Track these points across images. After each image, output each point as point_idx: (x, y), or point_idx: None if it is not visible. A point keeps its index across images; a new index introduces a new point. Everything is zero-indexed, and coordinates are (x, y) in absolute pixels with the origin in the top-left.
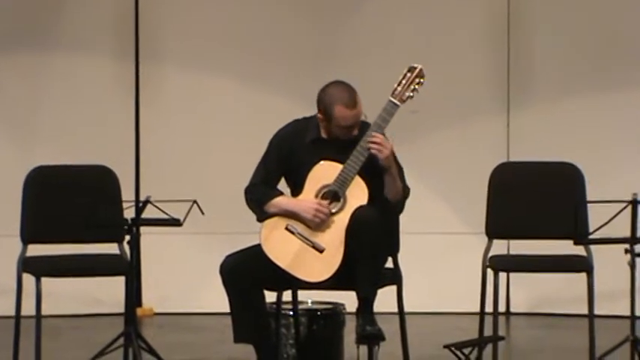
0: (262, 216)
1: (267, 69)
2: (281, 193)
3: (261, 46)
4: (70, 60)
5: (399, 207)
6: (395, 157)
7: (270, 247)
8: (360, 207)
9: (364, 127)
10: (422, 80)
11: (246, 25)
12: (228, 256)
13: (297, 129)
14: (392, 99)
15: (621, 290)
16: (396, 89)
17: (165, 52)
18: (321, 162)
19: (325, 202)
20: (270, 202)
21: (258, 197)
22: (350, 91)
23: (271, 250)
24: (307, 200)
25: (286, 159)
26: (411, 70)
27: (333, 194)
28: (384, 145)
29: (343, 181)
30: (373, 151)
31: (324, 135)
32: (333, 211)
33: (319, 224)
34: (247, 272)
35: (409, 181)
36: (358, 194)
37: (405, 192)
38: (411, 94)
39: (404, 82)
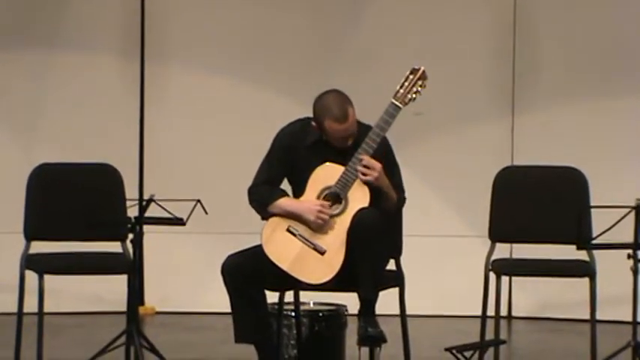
0: (265, 216)
1: (272, 69)
2: (284, 193)
3: (267, 47)
4: (75, 59)
5: (393, 215)
6: (393, 157)
7: (272, 249)
8: (362, 209)
9: (366, 129)
10: (424, 82)
11: (251, 26)
12: (230, 256)
13: (299, 129)
14: (394, 101)
15: (624, 295)
16: (398, 91)
17: (171, 51)
18: (324, 164)
19: (327, 204)
20: (274, 203)
21: (261, 198)
22: (341, 103)
23: (272, 252)
24: (309, 202)
25: (288, 159)
26: (414, 72)
27: (335, 196)
28: (372, 168)
29: (345, 183)
30: (362, 177)
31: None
32: (335, 213)
33: (321, 226)
34: (249, 272)
35: (412, 183)
36: (360, 196)
37: (400, 202)
38: (414, 96)
39: (406, 84)
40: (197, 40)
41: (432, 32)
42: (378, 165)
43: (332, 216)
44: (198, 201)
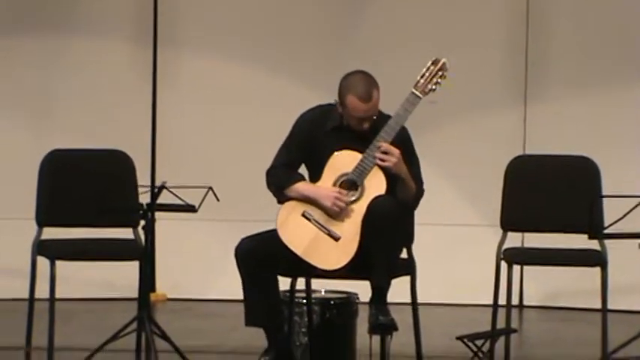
0: (282, 199)
1: (285, 55)
2: (302, 178)
3: (279, 32)
4: (87, 45)
5: (411, 206)
6: (412, 147)
7: (286, 233)
8: (378, 197)
9: (383, 118)
10: (445, 74)
11: (264, 12)
12: (244, 239)
13: (320, 114)
14: (414, 91)
15: (635, 285)
16: (418, 81)
17: (183, 37)
18: (341, 150)
19: (345, 192)
20: (290, 187)
21: (279, 181)
22: (368, 84)
23: (287, 236)
24: (326, 188)
25: (307, 143)
26: (435, 62)
27: (352, 183)
28: (390, 154)
29: (362, 171)
30: (380, 163)
31: (345, 123)
32: (351, 200)
33: (337, 212)
34: (262, 256)
35: (425, 171)
36: (376, 184)
37: (418, 193)
38: (434, 87)
39: (427, 74)
40: (209, 26)
41: (445, 22)
42: (396, 151)
43: (348, 203)
44: (210, 188)
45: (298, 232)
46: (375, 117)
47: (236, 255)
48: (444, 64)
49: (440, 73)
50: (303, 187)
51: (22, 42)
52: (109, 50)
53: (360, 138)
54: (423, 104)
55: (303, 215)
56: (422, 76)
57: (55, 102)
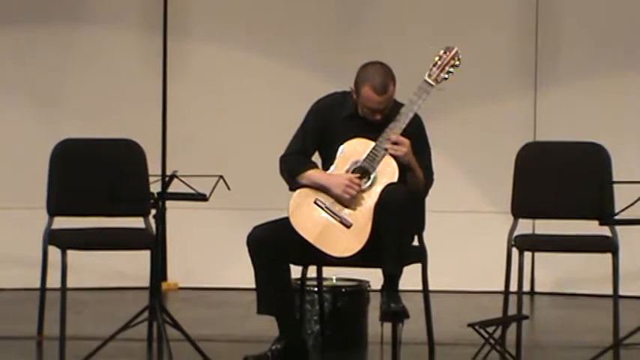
0: (294, 186)
1: (294, 44)
2: (315, 165)
3: (290, 21)
4: (97, 34)
5: (421, 195)
6: (425, 137)
7: (298, 220)
8: (390, 184)
9: (396, 106)
10: (458, 63)
11: (272, 0)
12: (256, 227)
13: (335, 102)
14: (427, 79)
15: None
16: (431, 69)
17: (193, 26)
18: (354, 138)
19: (357, 179)
20: (303, 174)
21: (292, 168)
22: (385, 77)
23: (299, 223)
24: (339, 175)
25: (321, 131)
26: (447, 51)
27: (364, 171)
28: (400, 144)
29: (374, 159)
30: (391, 152)
31: (360, 111)
32: (363, 187)
33: (349, 200)
34: (274, 244)
35: (435, 158)
36: (388, 172)
37: (427, 183)
38: (446, 75)
39: (439, 62)
40: (219, 15)
41: (454, 8)
42: (406, 141)
43: (360, 191)
44: (221, 177)
45: (310, 220)
46: (387, 111)
47: (248, 244)
48: (456, 52)
49: (452, 61)
50: (315, 174)
51: (32, 31)
52: (119, 40)
53: (373, 126)
54: (433, 91)
55: (315, 203)
56: (434, 65)
57: (65, 91)
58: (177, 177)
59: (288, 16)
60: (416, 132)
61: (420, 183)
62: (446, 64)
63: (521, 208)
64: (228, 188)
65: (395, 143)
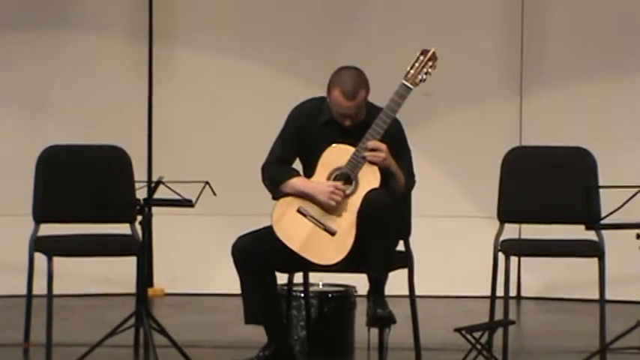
0: (277, 195)
1: (282, 49)
2: (297, 173)
3: (276, 26)
4: (83, 40)
5: (403, 196)
6: (404, 141)
7: (282, 229)
8: (372, 190)
9: (375, 110)
10: (435, 63)
11: (260, 6)
12: (240, 237)
13: (313, 107)
14: (405, 82)
15: (632, 275)
16: (408, 72)
17: (179, 32)
18: (333, 145)
19: (341, 186)
20: (286, 182)
21: (274, 177)
22: (357, 83)
23: (283, 232)
24: (322, 183)
25: (300, 137)
26: (424, 53)
27: (346, 177)
28: (378, 149)
29: (355, 164)
30: (369, 158)
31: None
32: (346, 194)
33: (332, 207)
34: (259, 253)
35: (421, 163)
36: (370, 177)
37: (409, 184)
38: (424, 77)
39: (417, 65)
40: (205, 21)
41: (440, 11)
42: (383, 146)
43: (344, 197)
44: (207, 183)
45: (294, 228)
46: (360, 117)
47: (233, 253)
48: (433, 53)
49: (430, 63)
50: (299, 182)
51: (18, 37)
52: (104, 45)
53: (351, 131)
54: (418, 96)
55: (299, 211)
56: (412, 67)
57: (51, 97)
58: (163, 183)
59: (275, 22)
60: (395, 136)
61: (402, 186)
62: (423, 66)
63: (507, 212)
64: (215, 194)
65: (372, 150)
